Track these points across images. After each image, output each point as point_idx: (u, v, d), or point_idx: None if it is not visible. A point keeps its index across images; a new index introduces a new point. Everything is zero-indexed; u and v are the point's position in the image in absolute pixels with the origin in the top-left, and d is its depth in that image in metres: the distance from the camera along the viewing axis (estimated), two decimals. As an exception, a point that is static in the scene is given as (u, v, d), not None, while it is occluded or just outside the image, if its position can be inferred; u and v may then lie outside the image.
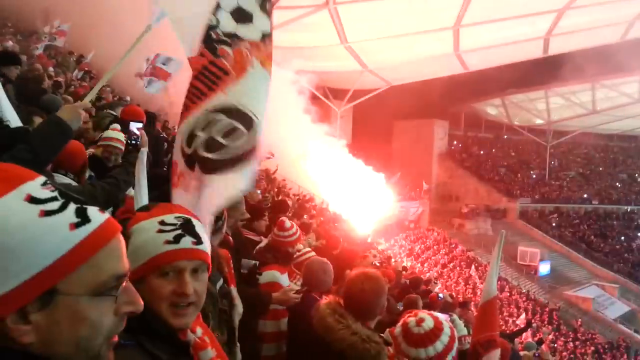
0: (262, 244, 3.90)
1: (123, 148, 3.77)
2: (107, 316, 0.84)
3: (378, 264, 8.16)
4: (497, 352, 2.69)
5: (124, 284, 0.86)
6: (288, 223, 3.71)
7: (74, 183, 2.97)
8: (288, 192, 16.01)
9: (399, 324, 1.90)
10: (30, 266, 0.75)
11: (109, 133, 3.99)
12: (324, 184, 26.15)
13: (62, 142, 2.20)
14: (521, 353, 5.70)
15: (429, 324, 1.81)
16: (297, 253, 3.87)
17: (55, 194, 0.81)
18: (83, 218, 0.81)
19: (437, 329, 1.81)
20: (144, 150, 2.52)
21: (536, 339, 8.79)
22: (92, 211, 0.84)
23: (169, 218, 1.26)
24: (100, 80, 2.95)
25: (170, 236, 1.23)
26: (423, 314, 1.88)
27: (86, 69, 12.07)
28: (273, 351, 3.26)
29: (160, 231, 1.24)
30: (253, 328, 3.19)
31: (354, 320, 2.13)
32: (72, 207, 0.81)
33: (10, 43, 9.98)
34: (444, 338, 1.81)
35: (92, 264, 0.81)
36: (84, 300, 0.80)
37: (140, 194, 2.24)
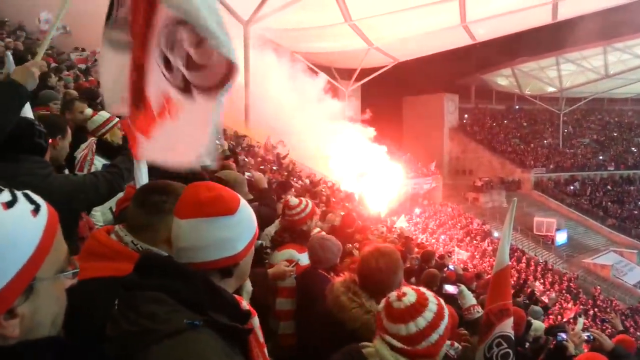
0: (270, 228, 3.89)
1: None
2: (64, 291, 0.90)
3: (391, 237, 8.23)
4: (510, 321, 2.67)
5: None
6: (294, 200, 3.64)
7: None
8: (299, 174, 16.06)
9: (384, 299, 1.77)
10: (16, 260, 0.78)
11: (103, 115, 3.92)
12: (337, 166, 26.15)
13: (17, 104, 2.17)
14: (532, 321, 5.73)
15: (410, 298, 1.68)
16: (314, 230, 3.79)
17: None
18: (34, 203, 0.84)
19: (419, 305, 1.67)
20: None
21: (541, 305, 8.69)
22: (33, 195, 0.86)
23: None
24: (45, 40, 2.87)
25: None
26: (407, 288, 1.75)
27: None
28: (291, 329, 3.27)
29: None
30: (266, 306, 3.24)
31: (368, 298, 2.10)
32: (19, 194, 0.84)
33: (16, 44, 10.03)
34: (428, 315, 1.66)
35: (55, 245, 0.85)
36: (53, 281, 0.84)
37: (141, 174, 2.29)
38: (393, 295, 1.72)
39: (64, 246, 0.89)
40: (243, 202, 1.33)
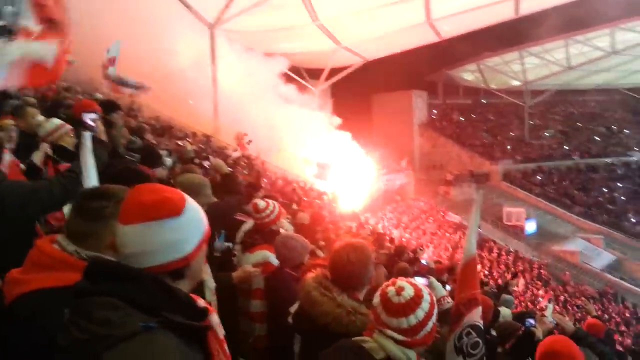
0: (246, 225, 3.88)
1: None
2: None
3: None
4: (478, 310, 2.68)
5: None
6: (261, 203, 3.69)
7: None
8: (271, 174, 16.02)
9: (377, 293, 1.82)
10: None
11: (54, 122, 3.90)
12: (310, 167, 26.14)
13: None
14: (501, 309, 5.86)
15: (409, 292, 1.75)
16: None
17: None
18: None
19: (417, 297, 1.75)
20: (88, 134, 2.52)
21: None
22: None
23: None
24: None
25: None
26: (402, 282, 1.80)
27: None
28: (265, 330, 3.29)
29: None
30: (234, 309, 3.24)
31: (339, 292, 2.11)
32: None
33: None
34: (425, 305, 1.76)
35: None
36: None
37: (89, 175, 2.26)
38: (392, 290, 1.77)
39: None
40: (189, 202, 1.29)
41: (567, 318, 4.34)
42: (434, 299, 1.83)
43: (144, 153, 4.63)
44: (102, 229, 1.52)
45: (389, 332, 1.74)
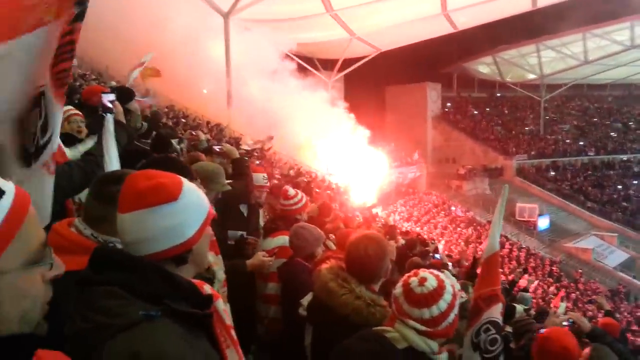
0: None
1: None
2: (40, 285, 0.83)
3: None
4: (498, 306, 2.67)
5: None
6: (291, 191, 3.77)
7: None
8: (282, 166, 16.02)
9: (400, 284, 1.84)
10: None
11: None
12: (322, 157, 26.16)
13: None
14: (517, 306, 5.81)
15: (432, 283, 1.76)
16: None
17: None
18: None
19: (440, 288, 1.77)
20: (110, 117, 2.50)
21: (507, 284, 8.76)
22: (1, 181, 0.81)
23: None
24: None
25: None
26: (425, 273, 1.82)
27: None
28: (279, 314, 3.31)
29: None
30: (249, 295, 3.26)
31: (357, 284, 2.12)
32: None
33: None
34: (447, 297, 1.77)
35: (21, 235, 0.79)
36: (20, 274, 0.78)
37: (110, 158, 2.25)
38: (414, 280, 1.79)
39: (37, 236, 0.83)
40: (187, 186, 1.27)
41: (583, 317, 4.27)
42: (457, 290, 1.84)
43: (154, 141, 4.62)
44: (115, 213, 1.51)
45: (411, 322, 1.75)
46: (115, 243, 1.53)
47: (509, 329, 4.27)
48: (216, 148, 5.10)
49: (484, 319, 2.64)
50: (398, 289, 1.83)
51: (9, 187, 0.81)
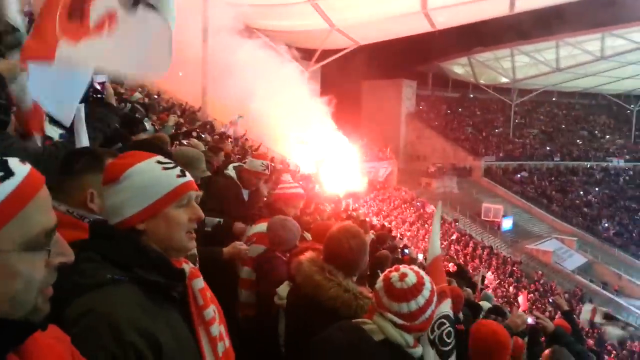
0: None
1: None
2: (39, 269, 0.81)
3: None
4: (447, 301, 2.68)
5: (54, 235, 0.84)
6: (287, 176, 3.86)
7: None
8: (255, 153, 15.84)
9: (380, 278, 1.89)
10: None
11: None
12: (297, 149, 26.08)
13: None
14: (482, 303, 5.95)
15: (412, 279, 1.81)
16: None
17: None
18: (6, 171, 0.79)
19: (419, 284, 1.82)
20: (82, 106, 2.45)
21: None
22: (14, 163, 0.81)
23: (160, 158, 1.36)
24: None
25: (177, 171, 1.35)
26: (406, 269, 1.87)
27: None
28: (253, 298, 3.27)
29: (165, 168, 1.34)
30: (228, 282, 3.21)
31: (343, 276, 2.13)
32: None
33: None
34: (426, 292, 1.82)
35: (21, 219, 0.78)
36: (14, 256, 0.77)
37: (80, 137, 2.24)
38: (395, 275, 1.84)
39: (41, 222, 0.81)
40: (132, 170, 1.31)
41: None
42: (435, 287, 1.89)
43: (124, 118, 4.54)
44: (70, 183, 1.55)
45: (389, 315, 1.80)
46: (86, 216, 1.56)
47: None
48: (184, 142, 5.03)
49: (437, 315, 2.74)
50: (379, 283, 1.87)
51: (21, 169, 0.81)
